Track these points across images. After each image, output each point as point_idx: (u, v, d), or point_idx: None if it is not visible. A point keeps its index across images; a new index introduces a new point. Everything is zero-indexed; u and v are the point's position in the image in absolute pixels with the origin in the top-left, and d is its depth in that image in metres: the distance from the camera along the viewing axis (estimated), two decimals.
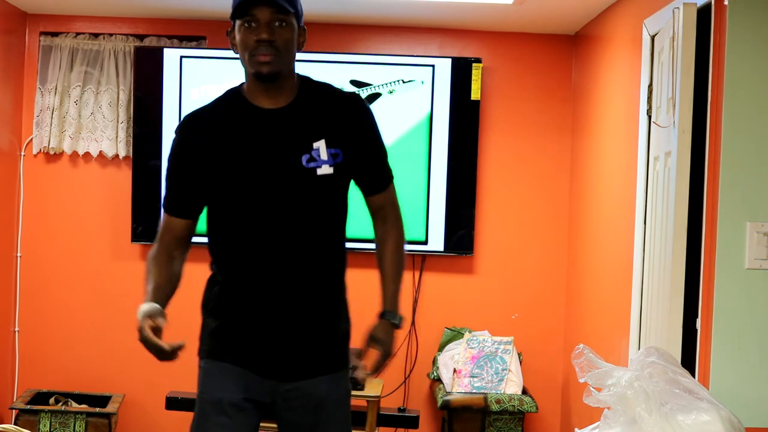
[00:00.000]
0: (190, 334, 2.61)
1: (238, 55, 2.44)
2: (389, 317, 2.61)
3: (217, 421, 2.47)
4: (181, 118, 2.55)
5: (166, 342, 2.38)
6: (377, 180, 2.58)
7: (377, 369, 2.51)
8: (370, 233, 2.68)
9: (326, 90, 2.52)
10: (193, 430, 2.53)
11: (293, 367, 2.49)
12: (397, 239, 2.62)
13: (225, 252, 2.51)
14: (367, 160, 2.53)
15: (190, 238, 2.54)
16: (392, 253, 2.61)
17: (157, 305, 2.49)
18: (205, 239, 2.56)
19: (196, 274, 2.73)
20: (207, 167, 2.44)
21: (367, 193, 2.59)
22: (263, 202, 2.43)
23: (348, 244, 2.64)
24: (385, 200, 2.61)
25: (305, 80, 2.51)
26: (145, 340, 2.44)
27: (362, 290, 3.05)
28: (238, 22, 2.39)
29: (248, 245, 2.46)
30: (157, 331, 2.44)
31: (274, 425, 2.61)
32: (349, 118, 2.49)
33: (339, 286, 2.58)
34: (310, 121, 2.46)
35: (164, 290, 2.52)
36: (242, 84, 2.50)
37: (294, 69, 2.47)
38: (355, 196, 2.62)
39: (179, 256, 2.52)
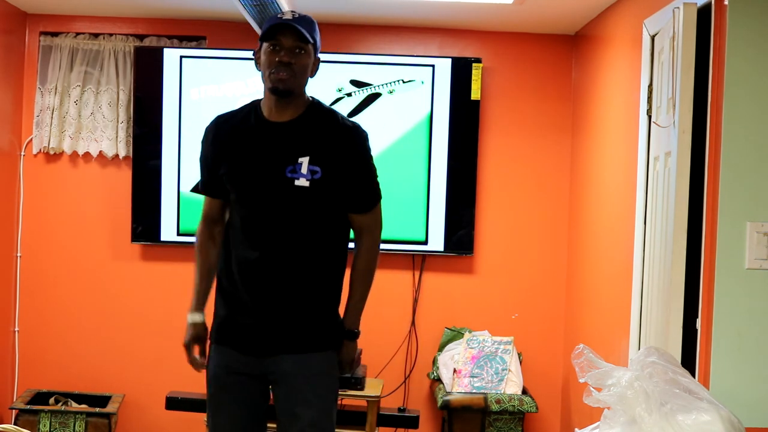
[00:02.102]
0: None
1: (260, 72, 2.86)
2: (350, 337, 2.97)
3: (214, 394, 2.96)
4: (213, 118, 3.01)
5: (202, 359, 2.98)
6: (358, 202, 2.92)
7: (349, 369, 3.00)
8: None
9: (329, 115, 2.91)
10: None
11: (263, 345, 2.86)
12: (368, 262, 2.96)
13: (227, 245, 2.95)
14: (350, 182, 2.87)
15: (224, 219, 2.98)
16: (363, 271, 2.94)
17: (201, 320, 2.99)
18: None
19: None
20: (221, 163, 2.90)
21: (349, 211, 2.92)
22: (251, 202, 2.86)
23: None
24: (365, 221, 2.94)
25: (315, 103, 2.91)
26: (192, 361, 2.99)
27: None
28: (265, 45, 2.82)
29: (240, 240, 2.89)
30: (201, 351, 2.99)
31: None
32: (341, 143, 2.85)
33: (316, 283, 2.89)
34: (302, 137, 2.84)
35: (205, 282, 2.99)
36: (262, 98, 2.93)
37: (304, 91, 2.88)
38: None
39: (217, 235, 2.98)
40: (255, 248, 2.84)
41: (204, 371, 2.96)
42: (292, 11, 2.85)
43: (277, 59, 2.77)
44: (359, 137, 2.90)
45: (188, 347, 2.96)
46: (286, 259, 2.84)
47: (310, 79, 2.88)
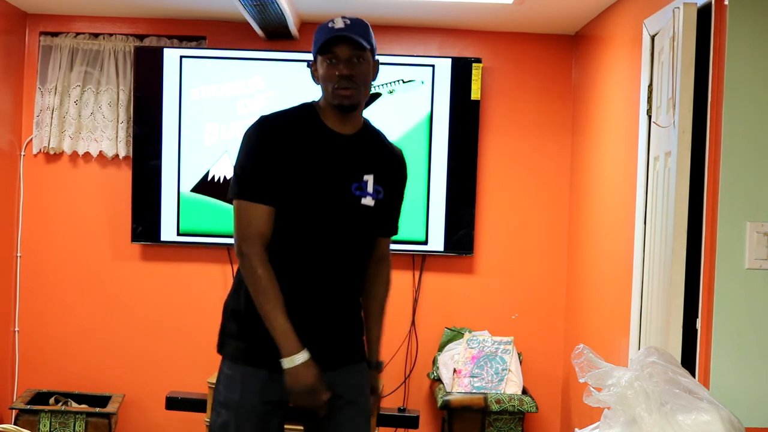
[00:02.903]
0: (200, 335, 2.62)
1: (319, 85, 2.68)
2: (375, 365, 2.89)
3: (249, 427, 2.64)
4: (261, 118, 2.68)
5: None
6: (390, 226, 2.88)
7: (376, 413, 2.95)
8: None
9: (381, 134, 2.82)
10: None
11: (332, 356, 2.68)
12: (388, 288, 2.91)
13: (275, 260, 2.61)
14: (393, 205, 2.83)
15: (270, 234, 2.63)
16: (383, 300, 2.89)
17: (311, 359, 2.60)
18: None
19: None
20: (283, 170, 2.60)
21: (380, 234, 2.84)
22: (315, 217, 2.63)
23: None
24: (387, 247, 2.89)
25: (367, 121, 2.79)
26: (319, 405, 2.63)
27: None
28: (320, 58, 2.65)
29: (295, 257, 2.64)
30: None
31: (299, 427, 2.82)
32: (395, 165, 2.81)
33: (359, 303, 2.82)
34: (366, 155, 2.72)
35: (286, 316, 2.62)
36: (315, 103, 2.73)
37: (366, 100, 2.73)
38: None
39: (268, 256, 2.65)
40: (318, 269, 2.65)
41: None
42: (343, 18, 2.71)
43: (336, 73, 2.61)
44: (405, 162, 2.86)
45: (321, 398, 2.60)
46: (351, 278, 2.73)
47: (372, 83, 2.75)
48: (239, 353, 2.66)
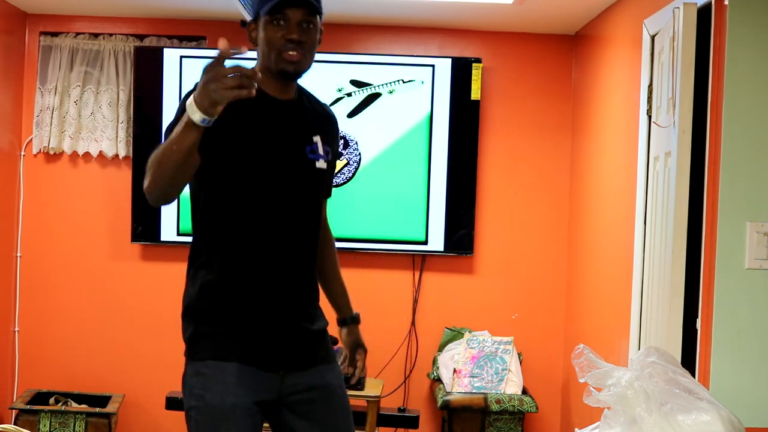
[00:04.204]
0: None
1: (255, 49, 2.45)
2: (356, 319, 2.82)
3: (230, 428, 2.39)
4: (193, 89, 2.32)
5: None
6: (330, 188, 2.73)
7: (364, 368, 2.80)
8: (372, 234, 2.79)
9: (311, 95, 2.65)
10: None
11: (298, 356, 2.49)
12: (334, 247, 2.81)
13: (226, 242, 2.45)
14: (331, 167, 2.66)
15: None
16: (336, 260, 2.79)
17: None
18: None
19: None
20: (223, 144, 2.36)
21: (325, 197, 2.71)
22: (270, 189, 2.45)
23: (350, 245, 2.75)
24: (325, 210, 2.74)
25: (296, 83, 2.60)
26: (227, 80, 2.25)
27: (362, 290, 3.05)
28: (264, 18, 2.44)
29: (252, 233, 2.45)
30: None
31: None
32: (333, 124, 2.68)
33: (315, 282, 2.64)
34: (311, 116, 2.58)
35: None
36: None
37: None
38: (359, 197, 2.65)
39: None
40: (279, 248, 2.46)
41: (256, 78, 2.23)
42: None
43: (285, 36, 2.41)
44: (337, 121, 2.72)
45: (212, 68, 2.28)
46: (310, 255, 2.55)
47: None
48: (206, 352, 2.44)
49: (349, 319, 2.80)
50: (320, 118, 2.61)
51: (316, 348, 2.55)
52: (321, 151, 2.54)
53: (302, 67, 2.46)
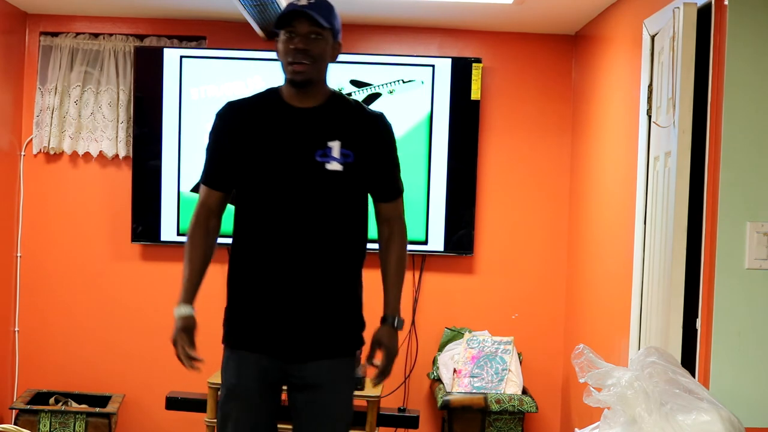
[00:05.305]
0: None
1: (280, 62, 2.76)
2: (392, 321, 2.92)
3: (235, 405, 2.78)
4: (223, 105, 2.86)
5: (194, 351, 2.76)
6: (387, 190, 2.90)
7: (384, 370, 2.84)
8: (371, 233, 2.99)
9: (354, 103, 2.85)
10: (219, 408, 2.84)
11: (297, 349, 2.75)
12: (400, 249, 2.91)
13: (244, 238, 2.79)
14: (379, 169, 2.84)
15: (222, 213, 2.87)
16: (395, 263, 2.90)
17: (191, 313, 2.81)
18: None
19: (208, 275, 2.90)
20: (240, 150, 2.76)
21: (377, 200, 2.90)
22: (279, 190, 2.73)
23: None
24: (393, 211, 2.91)
25: (337, 93, 2.85)
26: (179, 356, 2.78)
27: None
28: (281, 32, 2.73)
29: (264, 230, 2.75)
30: (190, 342, 2.78)
31: (290, 426, 2.86)
32: (370, 129, 2.81)
33: (347, 278, 2.83)
34: (330, 123, 2.77)
35: (198, 277, 2.85)
36: (282, 84, 2.82)
37: (325, 78, 2.80)
38: None
39: (213, 229, 2.86)
40: (288, 245, 2.72)
41: (197, 368, 2.75)
42: None
43: (292, 47, 2.69)
44: (387, 125, 2.86)
45: (176, 341, 2.76)
46: (325, 253, 2.74)
47: (330, 65, 2.80)
48: (225, 338, 2.84)
49: (383, 319, 2.91)
50: (347, 123, 2.77)
51: (322, 343, 2.76)
52: (336, 154, 2.73)
53: (308, 76, 2.71)
